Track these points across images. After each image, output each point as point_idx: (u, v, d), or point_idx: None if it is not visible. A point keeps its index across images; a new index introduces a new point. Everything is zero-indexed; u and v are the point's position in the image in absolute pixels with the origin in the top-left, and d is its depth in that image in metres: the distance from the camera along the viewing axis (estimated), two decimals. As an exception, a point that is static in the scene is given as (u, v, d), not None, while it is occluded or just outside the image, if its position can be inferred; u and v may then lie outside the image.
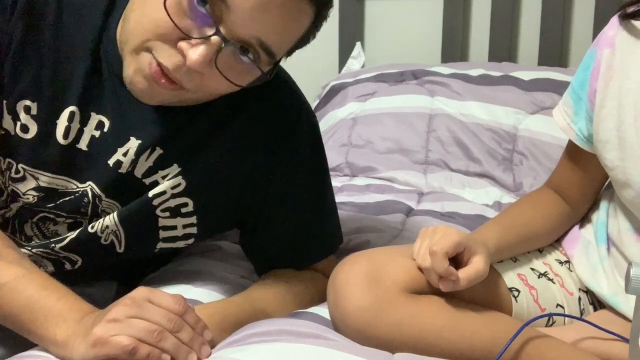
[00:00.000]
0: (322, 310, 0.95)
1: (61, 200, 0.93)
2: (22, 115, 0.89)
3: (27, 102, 0.89)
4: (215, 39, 0.80)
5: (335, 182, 1.64)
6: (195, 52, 0.79)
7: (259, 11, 0.79)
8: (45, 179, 0.92)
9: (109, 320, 0.74)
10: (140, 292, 0.78)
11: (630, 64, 0.95)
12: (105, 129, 0.91)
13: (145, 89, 0.85)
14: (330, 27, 2.14)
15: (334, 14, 2.16)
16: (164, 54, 0.81)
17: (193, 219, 0.98)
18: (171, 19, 0.79)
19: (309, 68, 2.17)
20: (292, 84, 1.03)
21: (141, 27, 0.82)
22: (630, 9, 0.96)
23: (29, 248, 0.94)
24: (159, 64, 0.82)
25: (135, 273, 1.09)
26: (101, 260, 0.97)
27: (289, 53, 0.90)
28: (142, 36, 0.82)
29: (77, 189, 0.93)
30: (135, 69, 0.84)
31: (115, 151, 0.92)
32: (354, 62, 2.14)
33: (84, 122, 0.91)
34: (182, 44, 0.80)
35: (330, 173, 1.43)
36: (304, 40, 0.89)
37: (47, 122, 0.90)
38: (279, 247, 1.04)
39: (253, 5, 0.79)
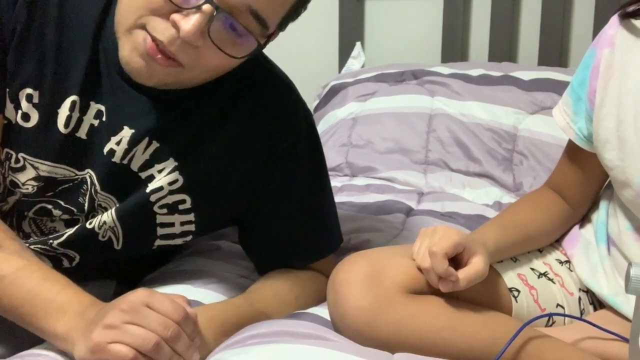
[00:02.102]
0: (322, 311, 0.95)
1: (60, 188, 0.94)
2: (24, 104, 0.90)
3: (29, 90, 0.90)
4: (207, 7, 0.80)
5: (335, 182, 1.64)
6: (187, 22, 0.80)
7: None
8: (45, 168, 0.92)
9: (105, 326, 0.74)
10: (139, 295, 0.77)
11: (629, 63, 0.95)
12: (104, 118, 0.92)
13: (142, 68, 0.85)
14: (330, 27, 2.17)
15: (334, 14, 2.19)
16: (158, 28, 0.82)
17: (191, 216, 0.98)
18: None
19: (309, 68, 2.18)
20: (289, 81, 1.03)
21: (133, 5, 0.83)
22: (631, 8, 0.96)
23: (27, 245, 0.94)
24: (154, 39, 0.82)
25: (135, 272, 1.09)
26: (99, 257, 0.98)
27: (282, 26, 0.90)
28: (135, 13, 0.83)
29: (76, 177, 0.94)
30: (131, 48, 0.85)
31: (109, 140, 0.92)
32: (354, 62, 2.14)
33: (83, 111, 0.92)
34: (175, 16, 0.81)
35: (330, 173, 1.43)
36: (294, 11, 0.89)
37: (48, 110, 0.91)
38: (278, 245, 1.04)
39: None
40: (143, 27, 0.83)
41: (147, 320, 0.74)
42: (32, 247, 0.94)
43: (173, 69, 0.85)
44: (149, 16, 0.82)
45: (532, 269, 1.03)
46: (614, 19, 0.99)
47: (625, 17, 0.96)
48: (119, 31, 0.86)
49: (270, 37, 0.89)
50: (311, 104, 2.04)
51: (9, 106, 0.90)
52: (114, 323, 0.74)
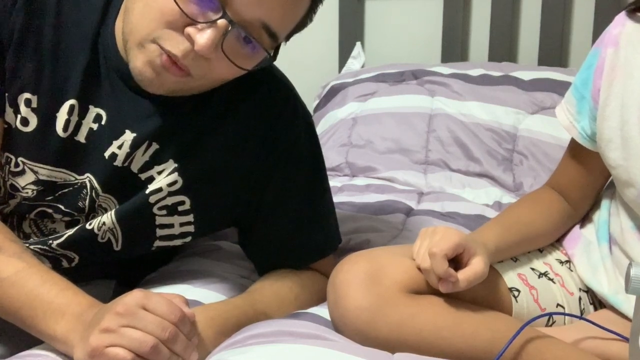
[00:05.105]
0: (321, 311, 0.95)
1: (60, 193, 0.94)
2: (23, 108, 0.90)
3: (28, 95, 0.90)
4: (221, 22, 0.81)
5: (335, 182, 1.64)
6: (202, 37, 0.80)
7: None
8: (45, 172, 0.92)
9: (102, 330, 0.74)
10: (135, 297, 0.76)
11: (634, 63, 0.95)
12: (103, 122, 0.92)
13: (154, 78, 0.86)
14: (330, 27, 2.17)
15: (334, 14, 2.18)
16: (172, 42, 0.82)
17: (190, 217, 0.98)
18: (177, 5, 0.80)
19: (309, 68, 2.18)
20: (287, 82, 1.04)
21: (147, 17, 0.83)
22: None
23: (27, 245, 0.94)
24: (167, 53, 0.83)
25: (134, 272, 1.09)
26: (98, 258, 0.98)
27: (288, 37, 0.91)
28: (149, 27, 0.83)
29: (76, 181, 0.94)
30: (144, 61, 0.85)
31: (110, 144, 0.92)
32: (354, 62, 2.14)
33: (82, 115, 0.92)
34: (189, 30, 0.81)
35: (330, 173, 1.42)
36: (301, 23, 0.90)
37: (47, 115, 0.91)
38: (277, 246, 1.04)
39: None
40: (155, 41, 0.83)
41: (144, 322, 0.74)
42: (31, 247, 0.94)
43: (183, 78, 0.85)
44: (163, 29, 0.82)
45: (533, 269, 1.03)
46: (619, 19, 0.99)
47: (633, 12, 0.96)
48: (128, 41, 0.86)
49: (278, 48, 0.90)
50: (311, 104, 2.04)
51: (9, 110, 0.90)
52: (110, 326, 0.73)
